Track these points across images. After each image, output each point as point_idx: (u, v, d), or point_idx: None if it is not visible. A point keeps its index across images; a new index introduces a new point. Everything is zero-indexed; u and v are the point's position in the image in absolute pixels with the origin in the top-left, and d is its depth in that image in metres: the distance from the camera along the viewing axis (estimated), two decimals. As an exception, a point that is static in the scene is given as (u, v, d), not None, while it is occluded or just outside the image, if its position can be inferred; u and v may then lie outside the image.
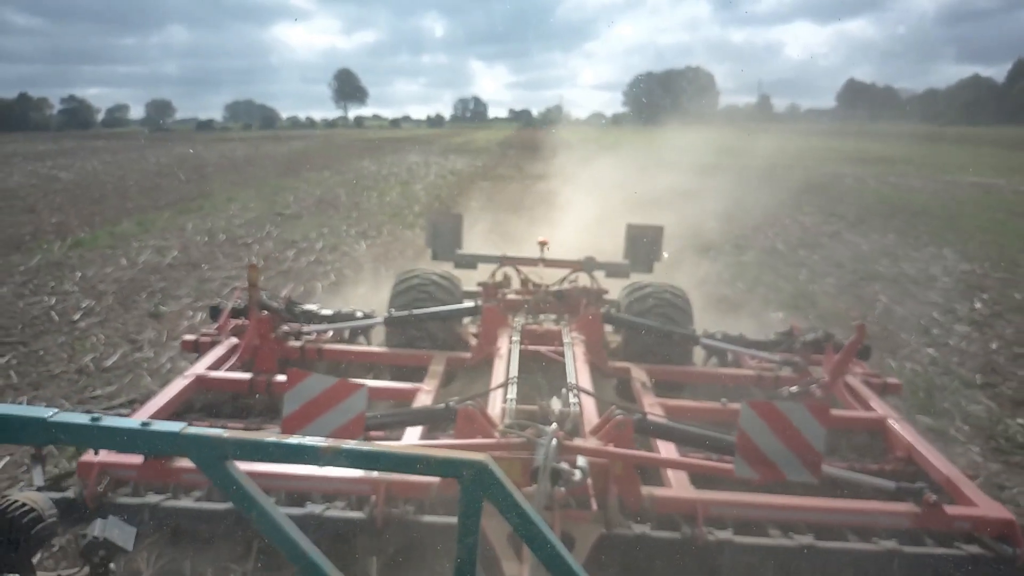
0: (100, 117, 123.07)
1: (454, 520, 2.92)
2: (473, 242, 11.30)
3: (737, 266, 11.08)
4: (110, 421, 1.34)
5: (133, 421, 1.37)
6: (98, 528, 1.74)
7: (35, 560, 1.70)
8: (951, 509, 3.16)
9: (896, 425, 4.07)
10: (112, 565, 1.72)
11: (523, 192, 18.86)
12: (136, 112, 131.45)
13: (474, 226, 13.35)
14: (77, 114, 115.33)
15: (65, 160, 30.09)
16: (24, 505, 1.62)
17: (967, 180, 27.13)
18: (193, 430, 1.35)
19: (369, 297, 7.97)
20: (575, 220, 12.04)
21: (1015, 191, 23.90)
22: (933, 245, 13.60)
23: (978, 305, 9.44)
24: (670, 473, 3.39)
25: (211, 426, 3.21)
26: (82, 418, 1.34)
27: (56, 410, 1.35)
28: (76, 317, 7.44)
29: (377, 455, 1.35)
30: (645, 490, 3.16)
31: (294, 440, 1.34)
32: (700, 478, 3.33)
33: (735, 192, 17.07)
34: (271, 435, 1.37)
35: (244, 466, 1.49)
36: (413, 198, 18.65)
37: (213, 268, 10.04)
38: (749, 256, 12.02)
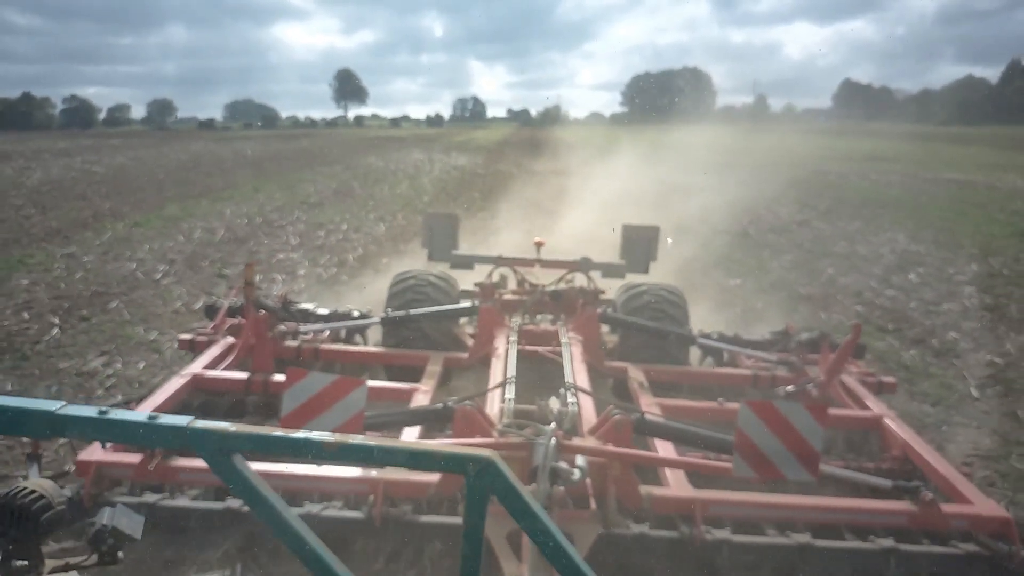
0: (102, 116, 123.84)
1: (452, 519, 3.00)
2: (479, 226, 12.93)
3: (709, 246, 12.55)
4: (117, 414, 1.34)
5: (140, 415, 1.35)
6: (106, 516, 1.74)
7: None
8: (948, 507, 3.16)
9: (892, 424, 4.07)
10: (120, 553, 1.72)
11: (522, 185, 20.43)
12: (137, 111, 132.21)
13: (478, 213, 15.00)
14: (79, 113, 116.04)
15: (92, 156, 31.75)
16: (33, 492, 1.61)
17: (945, 177, 27.70)
18: (200, 424, 1.34)
19: (392, 264, 9.56)
20: (568, 210, 13.59)
21: (989, 186, 24.73)
22: (891, 231, 14.76)
23: (911, 277, 10.90)
24: (668, 472, 3.39)
25: None
26: (89, 411, 1.33)
27: (63, 403, 1.34)
28: (158, 276, 9.02)
29: (383, 450, 1.34)
30: (643, 489, 3.16)
31: (301, 435, 1.34)
32: (698, 477, 3.35)
33: (720, 187, 18.23)
34: (278, 429, 1.37)
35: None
36: (421, 190, 20.19)
37: (257, 244, 11.53)
38: (722, 239, 13.44)
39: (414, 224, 13.99)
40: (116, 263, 9.82)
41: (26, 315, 7.30)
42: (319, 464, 3.08)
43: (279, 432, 1.35)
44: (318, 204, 16.72)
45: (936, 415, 5.96)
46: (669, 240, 8.05)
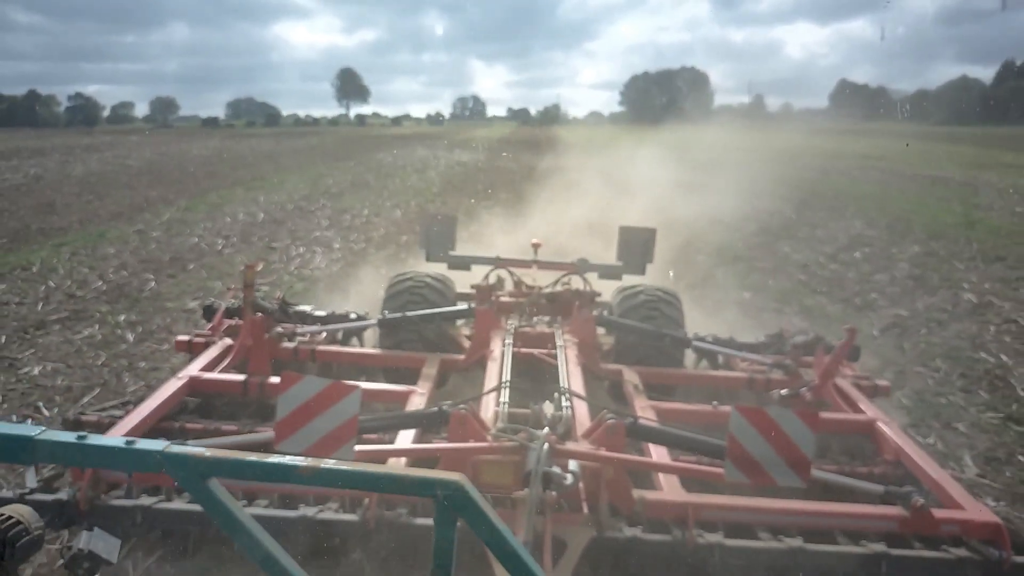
0: (105, 114, 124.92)
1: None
2: (483, 212, 14.69)
3: (683, 230, 14.26)
4: (95, 440, 1.38)
5: (117, 440, 1.40)
6: (83, 540, 1.75)
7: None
8: (939, 512, 3.18)
9: (885, 428, 4.09)
10: None
11: (522, 179, 22.23)
12: (140, 109, 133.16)
13: (482, 202, 16.79)
14: (84, 111, 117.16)
15: (120, 151, 33.89)
16: (10, 518, 1.61)
17: (924, 173, 28.31)
18: (175, 449, 1.37)
19: (411, 243, 11.33)
20: (563, 199, 15.31)
21: (963, 183, 25.43)
22: (852, 219, 16.14)
23: (856, 254, 12.54)
24: (661, 477, 3.40)
25: (203, 429, 3.67)
26: (68, 436, 1.37)
27: (42, 428, 1.38)
28: (219, 248, 10.88)
29: (353, 475, 1.37)
30: (636, 493, 3.18)
31: (275, 459, 1.38)
32: (691, 481, 3.38)
33: (703, 182, 19.84)
34: (252, 454, 1.40)
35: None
36: (430, 182, 22.06)
37: (295, 225, 13.42)
38: (697, 225, 15.19)
39: (426, 210, 15.82)
40: (180, 237, 11.71)
41: (125, 272, 9.16)
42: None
43: (253, 457, 1.38)
44: (339, 194, 18.64)
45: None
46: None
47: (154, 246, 10.93)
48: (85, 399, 5.41)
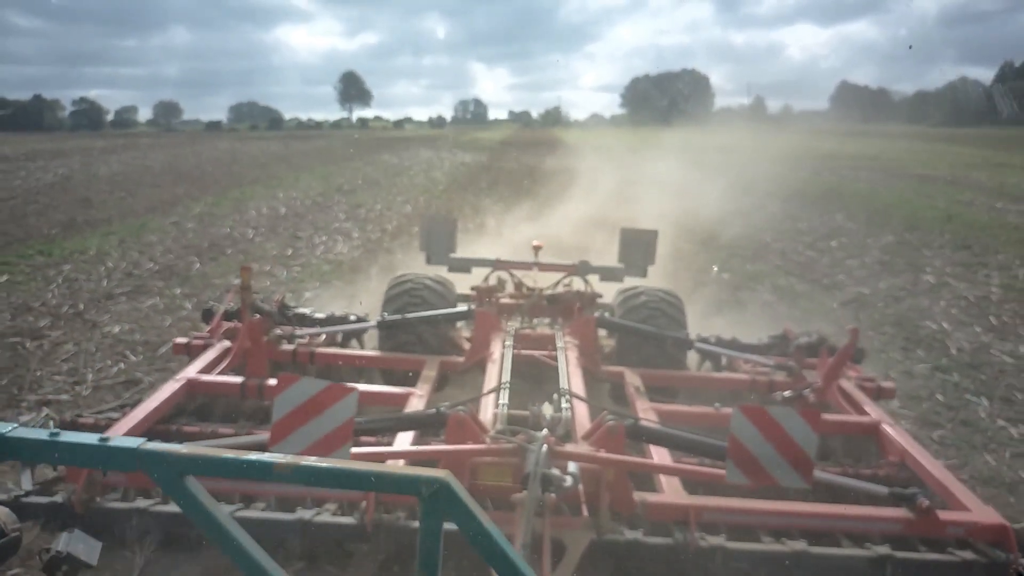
0: (109, 118, 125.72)
1: (447, 526, 2.72)
2: (487, 207, 15.78)
3: (674, 224, 15.29)
4: (68, 437, 1.35)
5: (91, 436, 1.37)
6: (62, 542, 1.78)
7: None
8: (944, 514, 3.15)
9: (890, 429, 4.07)
10: None
11: (522, 177, 23.41)
12: (143, 113, 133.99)
13: (485, 199, 17.90)
14: (88, 115, 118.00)
15: (138, 153, 35.26)
16: None
17: (913, 173, 28.89)
18: (151, 446, 1.35)
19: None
20: (559, 195, 16.38)
21: (950, 181, 25.99)
22: (834, 213, 17.02)
23: (832, 243, 13.54)
24: (663, 479, 3.38)
25: (200, 431, 3.77)
26: (40, 433, 1.35)
27: (14, 425, 1.36)
28: (250, 237, 12.03)
29: (332, 472, 1.34)
30: (637, 496, 3.16)
31: (253, 456, 1.35)
32: (693, 484, 3.37)
33: (697, 181, 20.20)
34: (228, 451, 1.37)
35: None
36: (436, 181, 23.24)
37: (314, 218, 14.62)
38: (687, 219, 16.09)
39: (434, 206, 16.98)
40: (213, 228, 12.90)
41: (171, 256, 10.31)
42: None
43: (231, 454, 1.35)
44: (352, 191, 19.85)
45: (803, 317, 8.80)
46: (715, 268, 10.26)
47: (191, 235, 12.12)
48: (161, 350, 6.54)
